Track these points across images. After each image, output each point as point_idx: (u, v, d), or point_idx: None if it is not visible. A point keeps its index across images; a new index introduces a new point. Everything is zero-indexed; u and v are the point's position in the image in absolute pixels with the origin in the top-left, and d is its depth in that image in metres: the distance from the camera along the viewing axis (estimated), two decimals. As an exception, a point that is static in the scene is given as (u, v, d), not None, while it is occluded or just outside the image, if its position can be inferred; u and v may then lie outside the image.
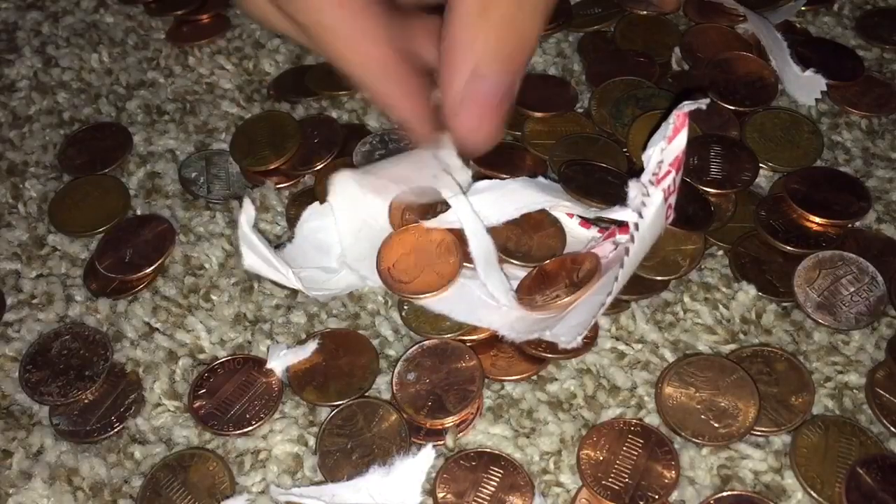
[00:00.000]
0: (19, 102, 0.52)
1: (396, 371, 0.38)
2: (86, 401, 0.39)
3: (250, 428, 0.37)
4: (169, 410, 0.39)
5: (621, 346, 0.39)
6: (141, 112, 0.51)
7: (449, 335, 0.39)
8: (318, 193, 0.44)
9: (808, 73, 0.47)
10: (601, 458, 0.35)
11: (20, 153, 0.49)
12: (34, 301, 0.43)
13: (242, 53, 0.53)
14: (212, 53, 0.54)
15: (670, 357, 0.39)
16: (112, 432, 0.38)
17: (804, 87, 0.48)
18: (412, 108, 0.37)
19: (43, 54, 0.54)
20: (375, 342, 0.40)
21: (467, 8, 0.33)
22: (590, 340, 0.39)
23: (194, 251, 0.43)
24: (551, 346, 0.38)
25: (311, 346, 0.39)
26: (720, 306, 0.40)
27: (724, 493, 0.35)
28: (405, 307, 0.39)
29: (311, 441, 0.37)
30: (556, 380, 0.38)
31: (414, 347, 0.39)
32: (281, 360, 0.39)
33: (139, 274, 0.42)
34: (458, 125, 0.35)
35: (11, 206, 0.47)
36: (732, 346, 0.39)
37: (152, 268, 0.42)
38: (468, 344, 0.39)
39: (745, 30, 0.52)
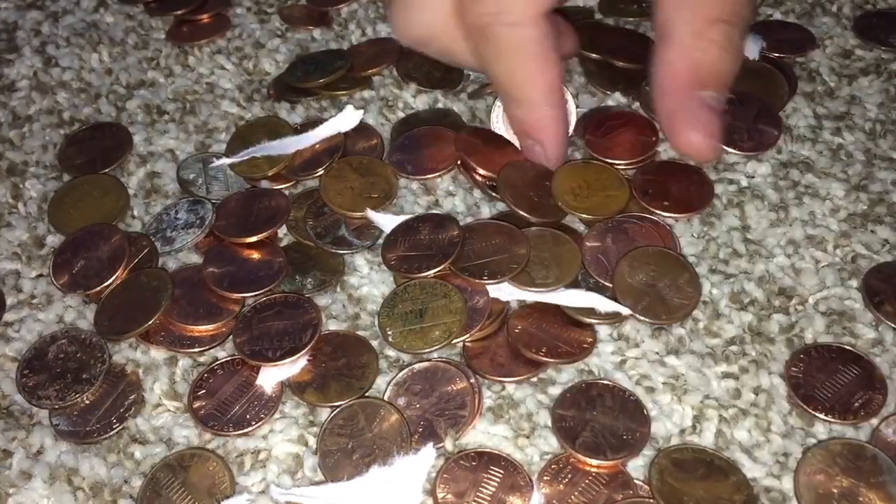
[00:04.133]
0: (19, 102, 0.52)
1: (386, 395, 0.38)
2: (85, 402, 0.39)
3: (250, 428, 0.37)
4: (169, 411, 0.39)
5: (623, 349, 0.39)
6: (141, 112, 0.51)
7: (439, 345, 0.38)
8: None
9: (753, 36, 0.50)
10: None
11: (20, 153, 0.49)
12: (34, 301, 0.43)
13: (242, 53, 0.53)
14: (212, 53, 0.54)
15: (674, 362, 0.39)
16: (112, 433, 0.38)
17: (752, 49, 0.50)
18: (561, 133, 0.42)
19: (43, 54, 0.54)
20: (375, 343, 0.40)
21: (685, 38, 0.38)
22: (589, 346, 0.39)
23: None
24: (551, 351, 0.38)
25: (302, 361, 0.39)
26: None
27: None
28: (389, 332, 0.39)
29: (312, 441, 0.37)
30: (557, 383, 0.38)
31: (404, 371, 0.38)
32: (271, 377, 0.39)
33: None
34: (690, 139, 0.40)
35: (11, 206, 0.47)
36: (733, 348, 0.39)
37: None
38: (466, 342, 0.39)
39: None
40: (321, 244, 0.43)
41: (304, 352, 0.39)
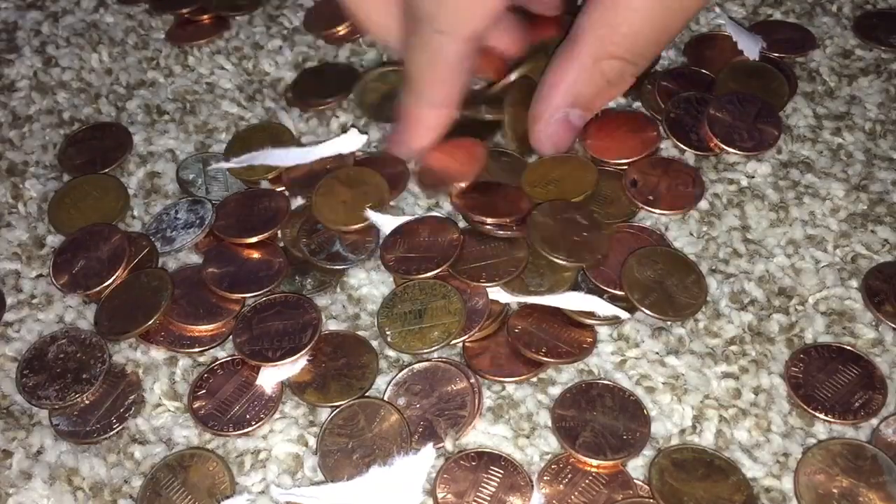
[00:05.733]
0: (19, 102, 0.52)
1: (386, 395, 0.38)
2: (85, 402, 0.39)
3: (250, 428, 0.37)
4: (169, 411, 0.39)
5: (623, 349, 0.39)
6: (141, 112, 0.51)
7: (437, 346, 0.38)
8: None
9: (753, 36, 0.51)
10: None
11: (20, 153, 0.49)
12: (34, 301, 0.43)
13: (242, 53, 0.53)
14: (212, 53, 0.54)
15: (674, 362, 0.39)
16: (112, 433, 0.38)
17: (752, 49, 0.50)
18: (428, 139, 0.43)
19: (43, 54, 0.54)
20: (375, 343, 0.40)
21: (584, 58, 0.40)
22: (589, 346, 0.39)
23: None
24: (551, 351, 0.38)
25: (302, 362, 0.39)
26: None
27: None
28: (388, 332, 0.39)
29: (312, 441, 0.37)
30: (557, 383, 0.38)
31: (404, 371, 0.38)
32: (271, 377, 0.39)
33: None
34: (542, 142, 0.43)
35: (11, 206, 0.47)
36: (733, 348, 0.39)
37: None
38: (466, 342, 0.39)
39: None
40: (316, 261, 0.43)
41: (304, 352, 0.39)
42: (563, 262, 0.40)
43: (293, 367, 0.39)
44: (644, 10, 0.38)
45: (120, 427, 0.38)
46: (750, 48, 0.50)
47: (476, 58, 0.41)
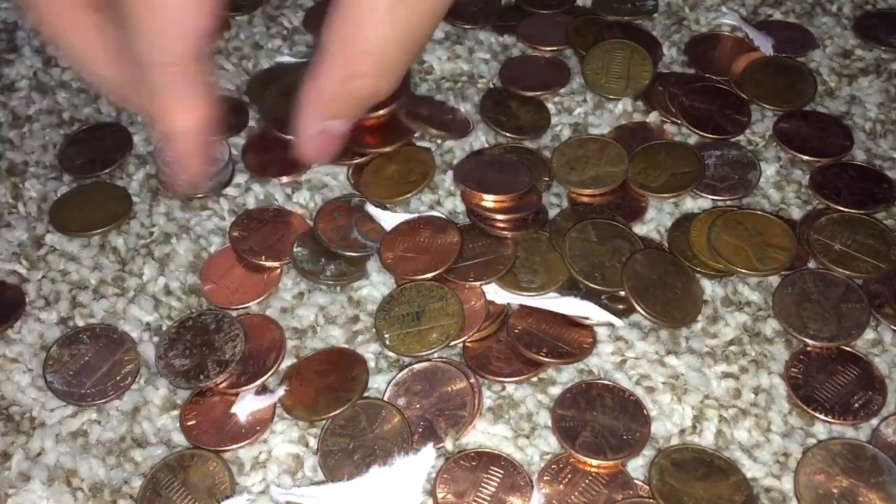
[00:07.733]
0: (19, 102, 0.51)
1: (386, 396, 0.38)
2: (85, 359, 0.39)
3: (246, 441, 0.37)
4: (170, 415, 0.38)
5: (623, 349, 0.39)
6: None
7: (436, 348, 0.38)
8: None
9: (765, 36, 0.51)
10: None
11: (20, 153, 0.49)
12: (34, 301, 0.43)
13: (242, 53, 0.53)
14: (211, 53, 0.53)
15: (674, 362, 0.39)
16: (105, 399, 0.38)
17: (766, 45, 0.51)
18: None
19: (43, 54, 0.54)
20: (376, 344, 0.40)
21: (333, 79, 0.37)
22: (589, 346, 0.39)
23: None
24: (551, 351, 0.38)
25: (279, 392, 0.38)
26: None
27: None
28: (386, 335, 0.39)
29: (312, 441, 0.37)
30: (557, 383, 0.38)
31: (404, 371, 0.38)
32: (246, 406, 0.38)
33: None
34: (308, 154, 0.41)
35: (11, 206, 0.46)
36: (733, 348, 0.39)
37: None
38: (464, 342, 0.39)
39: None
40: (333, 248, 0.42)
41: (268, 375, 0.38)
42: (598, 287, 0.40)
43: (270, 396, 0.38)
44: (384, 26, 0.35)
45: (114, 396, 0.38)
46: (764, 44, 0.50)
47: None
